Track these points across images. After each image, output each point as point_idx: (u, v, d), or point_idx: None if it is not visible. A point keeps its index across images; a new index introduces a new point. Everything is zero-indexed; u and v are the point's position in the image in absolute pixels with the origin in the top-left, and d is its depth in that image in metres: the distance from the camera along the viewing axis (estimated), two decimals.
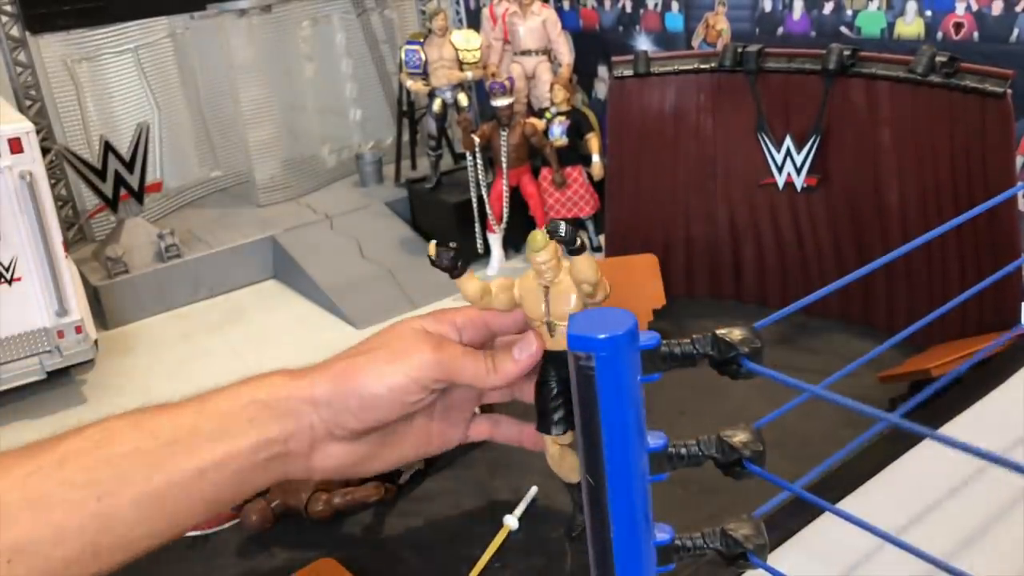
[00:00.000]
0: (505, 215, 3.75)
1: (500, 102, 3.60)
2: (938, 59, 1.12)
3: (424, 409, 0.76)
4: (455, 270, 0.72)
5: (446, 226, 4.04)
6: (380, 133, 4.94)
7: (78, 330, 2.58)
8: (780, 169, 1.32)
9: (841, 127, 1.25)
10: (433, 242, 0.72)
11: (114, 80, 4.11)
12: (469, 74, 3.93)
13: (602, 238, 3.44)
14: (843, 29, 2.94)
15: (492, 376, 0.73)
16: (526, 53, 3.97)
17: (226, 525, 0.95)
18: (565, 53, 3.93)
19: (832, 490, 0.79)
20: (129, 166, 3.64)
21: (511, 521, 0.90)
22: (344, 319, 3.76)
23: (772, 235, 1.37)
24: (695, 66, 1.35)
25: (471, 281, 0.74)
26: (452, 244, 0.71)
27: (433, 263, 0.72)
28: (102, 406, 2.51)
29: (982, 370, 0.96)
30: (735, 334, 0.46)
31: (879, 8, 2.80)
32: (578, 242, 0.67)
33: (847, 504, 0.78)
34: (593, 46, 4.19)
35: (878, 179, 1.23)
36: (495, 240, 3.83)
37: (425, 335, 0.74)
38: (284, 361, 0.77)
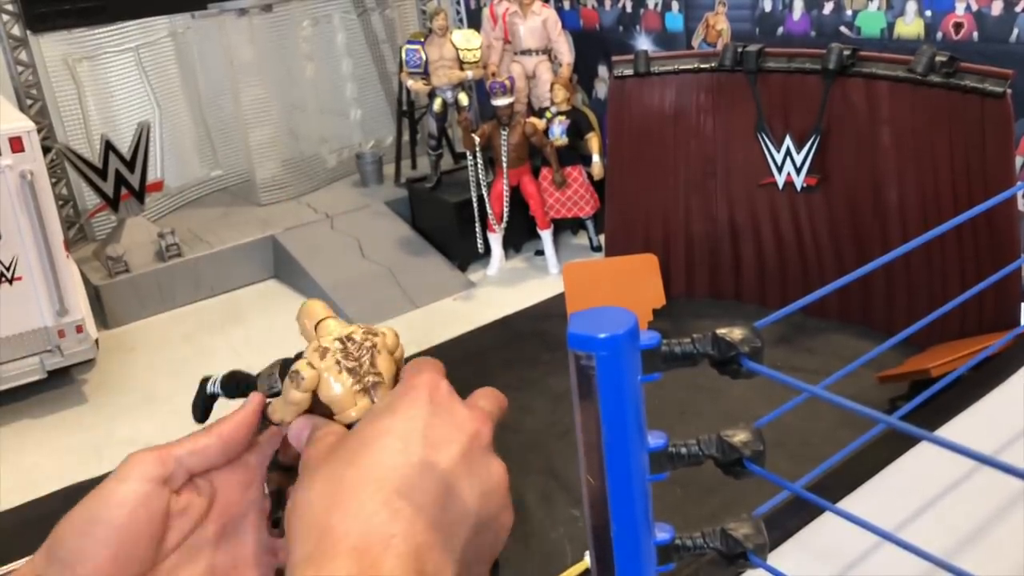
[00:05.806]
0: (505, 215, 3.75)
1: (500, 101, 3.60)
2: (938, 59, 1.12)
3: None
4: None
5: (446, 226, 4.04)
6: (380, 133, 4.95)
7: (79, 329, 2.58)
8: (780, 169, 1.32)
9: (841, 127, 1.25)
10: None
11: (115, 79, 4.11)
12: (469, 73, 3.93)
13: (602, 238, 3.43)
14: (843, 29, 2.93)
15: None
16: (526, 53, 3.97)
17: None
18: (565, 53, 3.92)
19: (832, 489, 0.79)
20: (130, 165, 3.64)
21: None
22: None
23: (772, 235, 1.37)
24: (695, 66, 1.36)
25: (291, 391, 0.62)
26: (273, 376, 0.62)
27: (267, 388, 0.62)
28: (102, 405, 2.52)
29: (982, 370, 0.96)
30: (735, 334, 0.46)
31: (879, 8, 2.80)
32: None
33: (847, 503, 0.79)
34: (593, 46, 4.19)
35: (878, 179, 1.23)
36: (495, 240, 3.83)
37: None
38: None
